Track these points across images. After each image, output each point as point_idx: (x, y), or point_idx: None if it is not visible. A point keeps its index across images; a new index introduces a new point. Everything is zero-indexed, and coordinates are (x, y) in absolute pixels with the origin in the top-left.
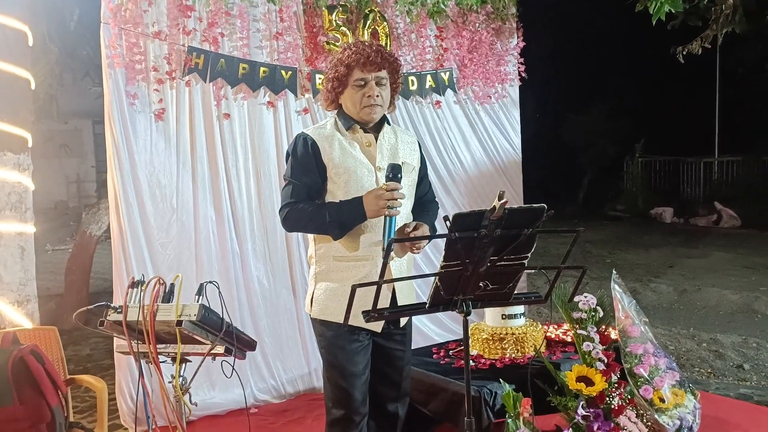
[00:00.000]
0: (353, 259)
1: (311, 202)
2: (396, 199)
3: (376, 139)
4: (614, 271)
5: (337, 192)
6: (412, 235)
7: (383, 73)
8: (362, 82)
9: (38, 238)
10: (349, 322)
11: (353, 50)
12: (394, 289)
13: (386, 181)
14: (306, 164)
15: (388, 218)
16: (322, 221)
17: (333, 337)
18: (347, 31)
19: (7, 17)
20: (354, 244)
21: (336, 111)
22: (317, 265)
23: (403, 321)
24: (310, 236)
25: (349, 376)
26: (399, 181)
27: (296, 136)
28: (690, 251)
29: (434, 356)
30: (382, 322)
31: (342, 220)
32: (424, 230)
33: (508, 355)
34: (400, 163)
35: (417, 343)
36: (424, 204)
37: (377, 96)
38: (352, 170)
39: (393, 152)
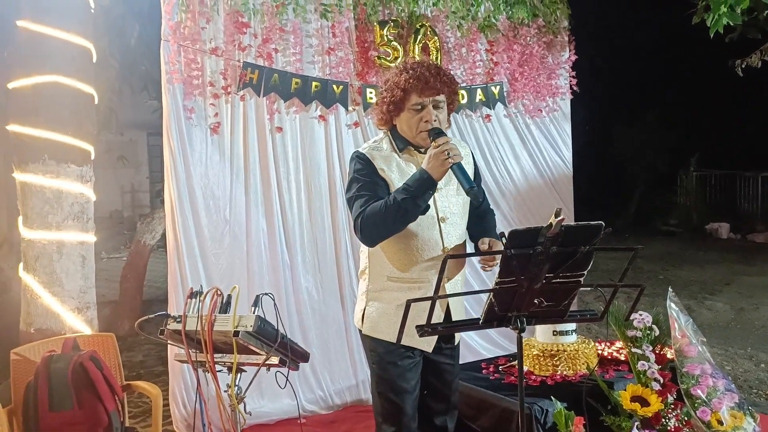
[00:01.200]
0: (408, 280)
1: (378, 202)
2: (450, 148)
3: None
4: (670, 289)
5: None
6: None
7: (441, 97)
8: (419, 107)
9: (94, 246)
10: (405, 343)
11: (410, 74)
12: (448, 307)
13: (433, 140)
14: (368, 176)
15: (457, 168)
16: (396, 207)
17: (385, 353)
18: (398, 46)
19: (73, 35)
20: (408, 266)
21: (389, 129)
22: (370, 283)
23: (456, 339)
24: (364, 251)
25: (401, 392)
26: (443, 134)
27: (352, 156)
28: (747, 268)
29: (483, 371)
30: (434, 341)
31: (413, 193)
32: (498, 245)
33: (559, 372)
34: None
35: (466, 358)
36: (481, 215)
37: (435, 120)
38: None
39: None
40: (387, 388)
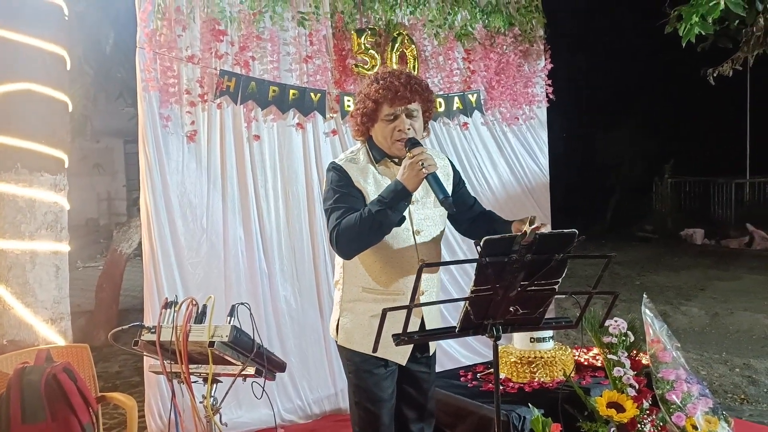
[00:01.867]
0: (382, 292)
1: (354, 214)
2: (425, 158)
3: None
4: (645, 296)
5: None
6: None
7: (414, 105)
8: (392, 117)
9: (69, 255)
10: (377, 354)
11: (381, 84)
12: (422, 316)
13: (408, 150)
14: (345, 188)
15: (432, 178)
16: (370, 219)
17: (361, 363)
18: (376, 54)
19: (46, 42)
20: (383, 277)
21: (365, 140)
22: (344, 293)
23: (432, 348)
24: (338, 261)
25: (377, 401)
26: (419, 145)
27: (328, 167)
28: (721, 274)
29: (462, 379)
30: (408, 353)
31: (388, 204)
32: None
33: (536, 379)
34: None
35: (444, 365)
36: (485, 213)
37: (408, 129)
38: None
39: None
40: (364, 398)
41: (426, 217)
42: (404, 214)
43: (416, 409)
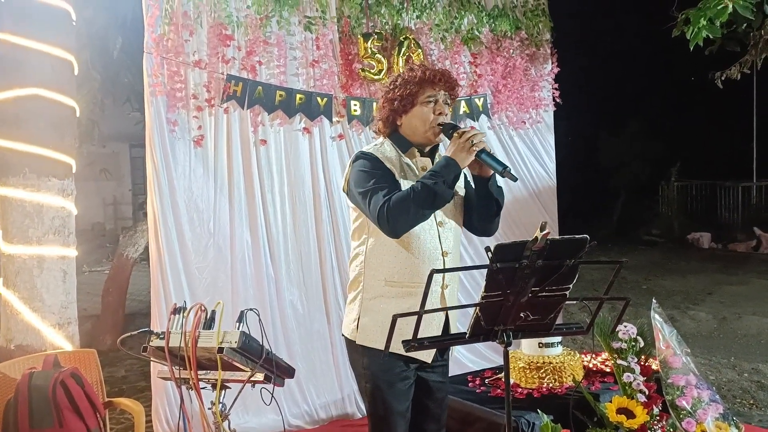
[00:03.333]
0: (407, 285)
1: (403, 191)
2: (475, 134)
3: (432, 160)
4: (654, 300)
5: None
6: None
7: (447, 95)
8: (432, 99)
9: (76, 260)
10: (400, 352)
11: (422, 69)
12: (447, 314)
13: (447, 137)
14: (379, 170)
15: (486, 155)
16: (425, 190)
17: (380, 367)
18: (382, 59)
19: (54, 47)
20: (408, 268)
21: (387, 136)
22: (365, 291)
23: (447, 353)
24: (357, 259)
25: (393, 411)
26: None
27: (356, 155)
28: (729, 278)
29: (470, 384)
30: (433, 353)
31: (443, 177)
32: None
33: (545, 385)
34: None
35: (452, 371)
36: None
37: (446, 114)
38: None
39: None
40: (380, 406)
41: (447, 209)
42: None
43: (432, 420)
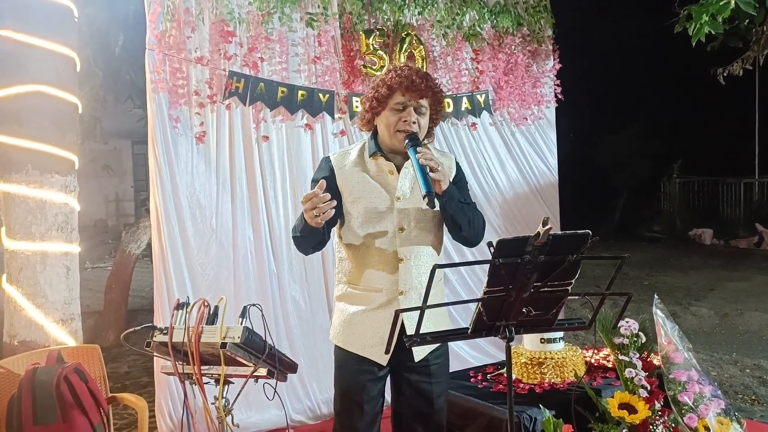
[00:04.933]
0: (363, 288)
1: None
2: (322, 208)
3: (399, 167)
4: (656, 296)
5: (353, 217)
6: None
7: (424, 102)
8: (401, 107)
9: (78, 256)
10: (357, 352)
11: (398, 73)
12: (402, 321)
13: (409, 147)
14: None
15: (419, 172)
16: (295, 240)
17: (345, 361)
18: (384, 55)
19: (56, 44)
20: (363, 274)
21: (370, 133)
22: (336, 290)
23: (421, 354)
24: (338, 256)
25: (356, 404)
26: (419, 143)
27: (321, 160)
28: (731, 274)
29: (472, 380)
30: (388, 356)
31: (301, 232)
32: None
33: (547, 380)
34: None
35: (453, 366)
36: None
37: (414, 123)
38: (367, 198)
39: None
40: (344, 399)
41: (409, 214)
42: (390, 210)
43: (424, 420)
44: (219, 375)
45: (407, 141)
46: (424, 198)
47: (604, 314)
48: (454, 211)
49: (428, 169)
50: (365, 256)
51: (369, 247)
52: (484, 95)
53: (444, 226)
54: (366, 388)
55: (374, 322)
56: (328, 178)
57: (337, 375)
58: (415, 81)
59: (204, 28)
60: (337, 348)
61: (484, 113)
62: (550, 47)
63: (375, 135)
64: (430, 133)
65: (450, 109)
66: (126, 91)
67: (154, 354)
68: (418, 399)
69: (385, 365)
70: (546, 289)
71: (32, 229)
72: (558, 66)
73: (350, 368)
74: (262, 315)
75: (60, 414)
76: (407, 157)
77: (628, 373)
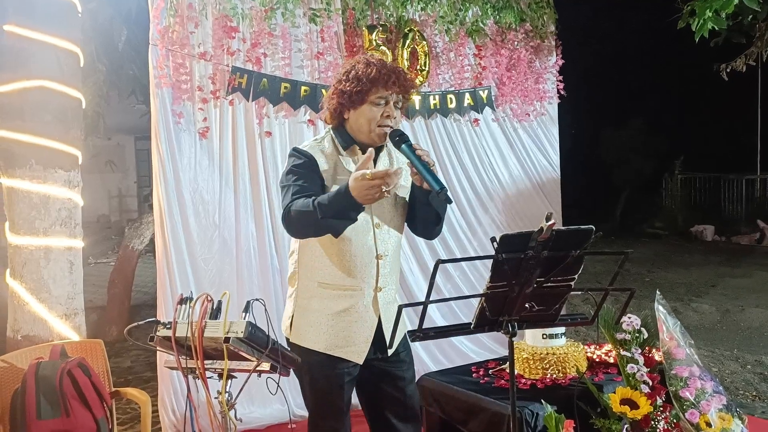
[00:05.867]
0: (339, 287)
1: (307, 200)
2: (385, 189)
3: (375, 162)
4: (658, 292)
5: None
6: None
7: (399, 97)
8: (382, 101)
9: (82, 252)
10: (331, 353)
11: (377, 67)
12: (380, 317)
13: (393, 143)
14: (304, 168)
15: (424, 169)
16: (315, 222)
17: (317, 363)
18: (387, 51)
19: (60, 39)
20: (341, 271)
21: (333, 127)
22: (299, 290)
23: (393, 348)
24: (293, 256)
25: (335, 410)
26: (407, 139)
27: (291, 151)
28: (732, 270)
29: (473, 375)
30: (364, 354)
31: (336, 213)
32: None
33: (549, 376)
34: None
35: (454, 361)
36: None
37: (394, 118)
38: None
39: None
40: (318, 403)
41: (384, 211)
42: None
43: (399, 408)
44: (222, 369)
45: (396, 138)
46: (438, 194)
47: (607, 310)
48: (438, 205)
49: (427, 165)
50: (342, 253)
51: (347, 244)
52: (486, 91)
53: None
54: (344, 389)
55: (355, 321)
56: (310, 164)
57: (309, 379)
58: (400, 76)
59: (207, 23)
60: (307, 350)
61: (487, 109)
62: (553, 43)
63: (341, 127)
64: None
65: (453, 105)
66: (129, 87)
67: (158, 348)
68: (393, 389)
69: (361, 363)
70: (549, 284)
71: (36, 224)
72: (561, 62)
73: (326, 372)
74: (265, 310)
75: (63, 408)
76: (380, 151)
77: (630, 368)
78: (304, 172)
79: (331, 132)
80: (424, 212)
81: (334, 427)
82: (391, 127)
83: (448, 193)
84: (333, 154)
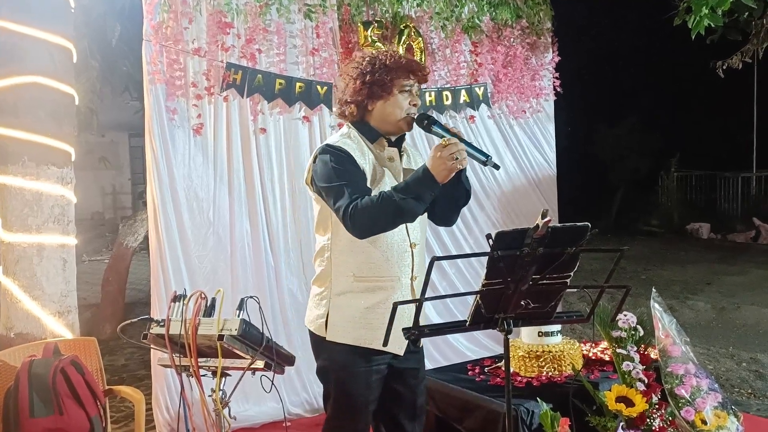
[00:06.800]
0: (377, 279)
1: (371, 196)
2: (459, 150)
3: (400, 154)
4: (654, 290)
5: None
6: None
7: (418, 86)
8: (409, 88)
9: (75, 249)
10: (371, 346)
11: (399, 56)
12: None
13: (421, 127)
14: (346, 164)
15: (468, 147)
16: (394, 206)
17: (350, 361)
18: (382, 47)
19: (52, 35)
20: (378, 262)
21: (351, 123)
22: (333, 286)
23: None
24: (323, 253)
25: (359, 405)
26: (435, 121)
27: (323, 149)
28: (728, 268)
29: (469, 373)
30: (405, 345)
31: (415, 195)
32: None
33: (545, 373)
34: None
35: (450, 359)
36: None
37: (419, 105)
38: (381, 186)
39: (410, 169)
40: (344, 401)
41: None
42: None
43: (408, 407)
44: (216, 367)
45: (425, 121)
46: (485, 163)
47: (603, 307)
48: (467, 180)
49: (469, 142)
50: (379, 244)
51: (378, 237)
52: (482, 88)
53: None
54: (372, 388)
55: (382, 314)
56: (353, 162)
57: (339, 377)
58: (420, 64)
59: (201, 19)
60: (341, 346)
61: (483, 106)
62: (549, 40)
63: (362, 122)
64: None
65: (448, 102)
66: (123, 83)
67: (151, 346)
68: (404, 384)
69: (402, 353)
70: (544, 281)
71: (29, 221)
72: (557, 59)
73: (358, 369)
74: (260, 307)
75: (57, 406)
76: (401, 142)
77: (626, 366)
78: (348, 169)
79: (354, 128)
80: (452, 194)
81: (358, 429)
82: (416, 114)
83: (495, 160)
84: (362, 148)
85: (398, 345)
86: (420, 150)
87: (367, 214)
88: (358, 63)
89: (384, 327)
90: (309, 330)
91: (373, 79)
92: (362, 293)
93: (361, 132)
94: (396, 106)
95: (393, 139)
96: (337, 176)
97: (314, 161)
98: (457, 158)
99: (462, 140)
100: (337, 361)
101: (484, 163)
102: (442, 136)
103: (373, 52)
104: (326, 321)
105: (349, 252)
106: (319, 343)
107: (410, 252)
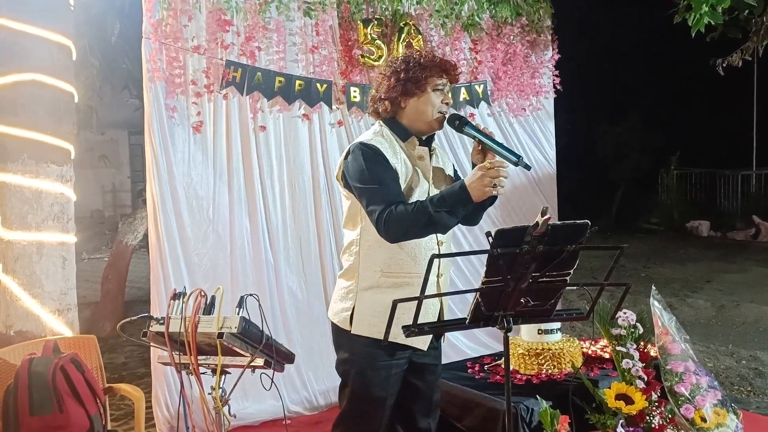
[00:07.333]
0: (404, 275)
1: (405, 203)
2: (501, 174)
3: (430, 155)
4: (653, 287)
5: None
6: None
7: (449, 85)
8: (442, 87)
9: (75, 247)
10: (396, 340)
11: (433, 55)
12: (441, 302)
13: (452, 127)
14: (380, 164)
15: (498, 146)
16: (427, 217)
17: (374, 355)
18: (382, 45)
19: (52, 32)
20: (406, 258)
21: (383, 121)
22: (361, 280)
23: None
24: (352, 247)
25: (380, 399)
26: (468, 122)
27: (356, 146)
28: (728, 266)
29: (469, 371)
30: (429, 340)
31: (449, 209)
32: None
33: (544, 371)
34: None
35: (450, 357)
36: None
37: (451, 104)
38: (414, 186)
39: (438, 168)
40: (365, 394)
41: None
42: (427, 194)
43: (424, 402)
44: (216, 365)
45: (457, 121)
46: (517, 164)
47: (602, 305)
48: None
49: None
50: (406, 243)
51: None
52: (482, 85)
53: None
54: (392, 381)
55: (422, 307)
56: (386, 163)
57: (361, 369)
58: (452, 64)
59: (201, 16)
60: (366, 339)
61: (482, 104)
62: (549, 37)
63: (392, 120)
64: None
65: None
66: (122, 81)
67: (151, 344)
68: (424, 382)
69: (425, 349)
70: (544, 279)
71: (28, 218)
72: (557, 56)
73: (381, 363)
74: (259, 305)
75: (56, 404)
76: (431, 142)
77: (626, 364)
78: (382, 169)
79: (385, 126)
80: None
81: (374, 423)
82: (448, 113)
83: (525, 160)
84: (394, 147)
85: (422, 340)
86: (446, 150)
87: (401, 223)
88: (393, 62)
89: (410, 322)
90: (332, 322)
91: (408, 76)
92: (389, 288)
93: (393, 130)
94: (429, 104)
95: (424, 138)
96: (370, 176)
97: (346, 158)
98: (495, 185)
99: (493, 141)
100: (360, 354)
101: (516, 164)
102: (474, 137)
103: (407, 51)
104: (351, 314)
105: (378, 248)
106: (342, 336)
107: (437, 250)
